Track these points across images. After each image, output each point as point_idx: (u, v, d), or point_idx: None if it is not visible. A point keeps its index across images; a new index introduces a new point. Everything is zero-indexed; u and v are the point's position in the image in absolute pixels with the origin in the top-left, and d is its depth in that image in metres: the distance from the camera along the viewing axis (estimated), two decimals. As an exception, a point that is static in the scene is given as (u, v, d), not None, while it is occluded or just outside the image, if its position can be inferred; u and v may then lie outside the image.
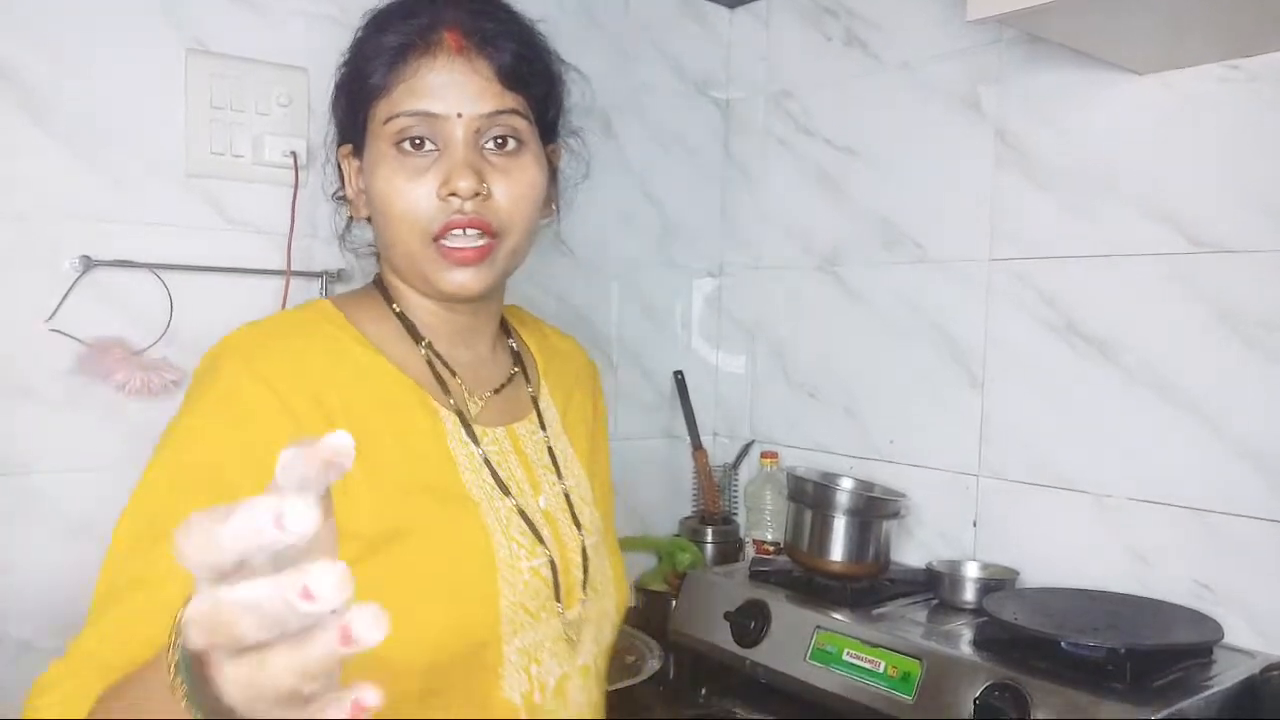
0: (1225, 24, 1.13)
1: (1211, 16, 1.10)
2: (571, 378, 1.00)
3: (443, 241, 0.79)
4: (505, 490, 0.83)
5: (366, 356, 0.81)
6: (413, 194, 0.79)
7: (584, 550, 0.87)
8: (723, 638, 1.36)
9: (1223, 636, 1.14)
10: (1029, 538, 1.41)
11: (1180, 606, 1.22)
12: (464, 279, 0.80)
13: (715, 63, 1.86)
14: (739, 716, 1.30)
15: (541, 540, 0.83)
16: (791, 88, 1.77)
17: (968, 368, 1.50)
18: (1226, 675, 1.10)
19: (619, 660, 1.45)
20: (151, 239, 1.23)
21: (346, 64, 0.86)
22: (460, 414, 0.84)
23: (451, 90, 0.79)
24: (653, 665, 1.39)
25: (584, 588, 0.85)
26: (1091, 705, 1.01)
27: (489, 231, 0.80)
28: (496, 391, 0.89)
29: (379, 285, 0.89)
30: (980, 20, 1.11)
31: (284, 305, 1.29)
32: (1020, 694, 1.05)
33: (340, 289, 1.31)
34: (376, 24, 0.83)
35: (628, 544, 1.73)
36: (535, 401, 0.93)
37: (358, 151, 0.86)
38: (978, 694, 1.08)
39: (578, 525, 0.88)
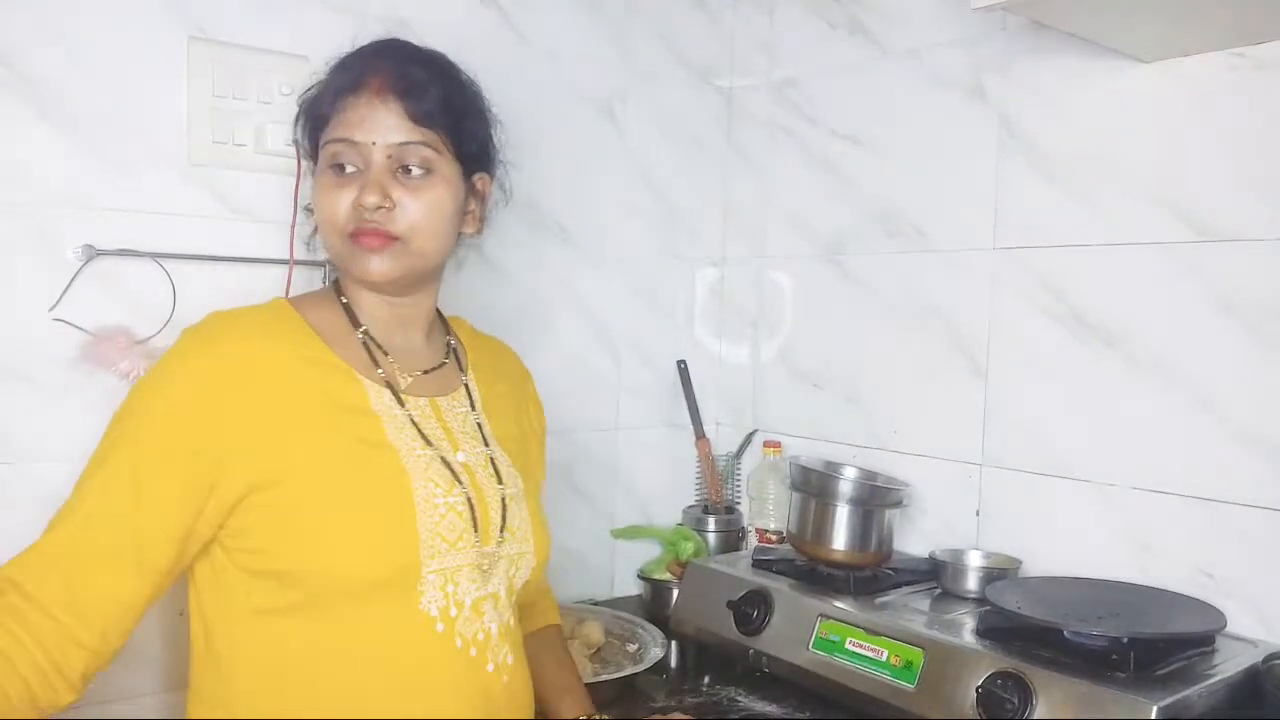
0: (1232, 11, 1.12)
1: (1218, 3, 1.10)
2: (499, 372, 1.19)
3: (359, 237, 0.99)
4: (428, 442, 1.01)
5: (310, 343, 1.00)
6: (336, 203, 0.99)
7: (503, 500, 1.04)
8: (726, 626, 1.36)
9: (1225, 625, 1.14)
10: (1032, 527, 1.41)
11: (1183, 595, 1.22)
12: (375, 264, 0.99)
13: (718, 51, 1.85)
14: (742, 705, 1.31)
15: (460, 482, 1.00)
16: (795, 76, 1.76)
17: (971, 356, 1.50)
18: (1229, 664, 1.10)
19: (622, 648, 1.46)
20: (154, 228, 1.23)
21: (308, 100, 1.06)
22: (390, 385, 1.02)
23: (369, 124, 0.98)
24: (655, 654, 1.40)
25: (501, 530, 1.03)
26: (1094, 694, 1.01)
27: (390, 236, 0.99)
28: (426, 372, 1.08)
29: (335, 282, 1.08)
30: (985, 7, 1.11)
31: (286, 294, 1.28)
32: (1023, 683, 1.05)
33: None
34: (330, 71, 1.04)
35: (631, 533, 1.74)
36: (466, 385, 1.12)
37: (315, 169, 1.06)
38: (980, 683, 1.08)
39: (500, 481, 1.05)
